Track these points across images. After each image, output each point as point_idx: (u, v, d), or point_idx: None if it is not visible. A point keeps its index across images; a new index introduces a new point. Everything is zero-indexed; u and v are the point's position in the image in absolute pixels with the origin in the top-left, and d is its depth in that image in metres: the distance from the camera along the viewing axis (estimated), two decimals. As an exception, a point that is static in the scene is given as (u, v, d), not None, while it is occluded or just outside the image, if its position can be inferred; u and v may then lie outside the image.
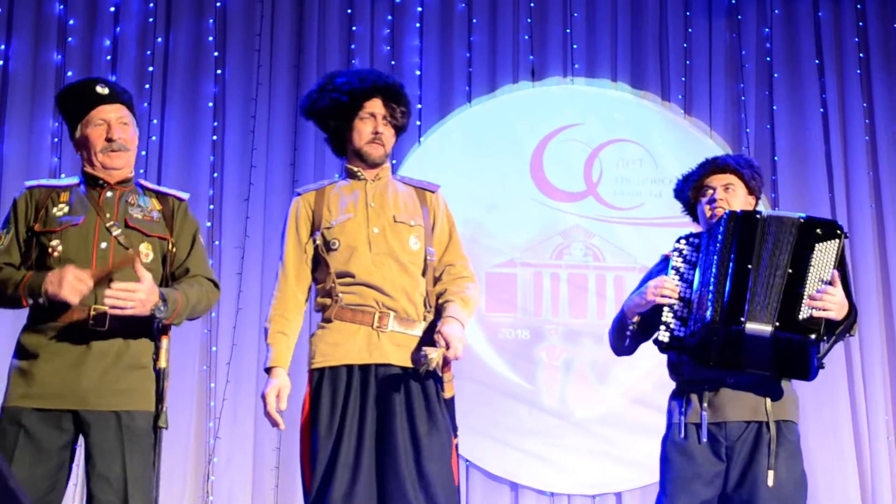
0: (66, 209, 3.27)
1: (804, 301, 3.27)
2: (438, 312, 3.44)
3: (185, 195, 3.50)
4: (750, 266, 3.30)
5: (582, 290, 6.35)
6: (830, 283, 3.27)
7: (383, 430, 3.26)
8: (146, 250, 3.29)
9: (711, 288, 3.30)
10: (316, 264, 3.44)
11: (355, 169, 3.51)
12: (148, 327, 3.28)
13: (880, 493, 6.11)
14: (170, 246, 3.36)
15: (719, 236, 3.37)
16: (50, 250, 3.21)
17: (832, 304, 3.25)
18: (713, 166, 3.60)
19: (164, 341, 3.29)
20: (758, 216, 3.38)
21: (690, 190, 3.63)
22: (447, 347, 3.24)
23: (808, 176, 6.56)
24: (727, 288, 3.28)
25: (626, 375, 6.22)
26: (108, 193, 3.33)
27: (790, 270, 3.30)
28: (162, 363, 3.27)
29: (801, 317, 3.26)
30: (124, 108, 3.37)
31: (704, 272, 3.36)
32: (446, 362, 3.30)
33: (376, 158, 3.49)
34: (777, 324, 3.25)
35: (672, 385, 3.59)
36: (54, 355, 3.16)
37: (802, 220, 3.36)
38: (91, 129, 3.32)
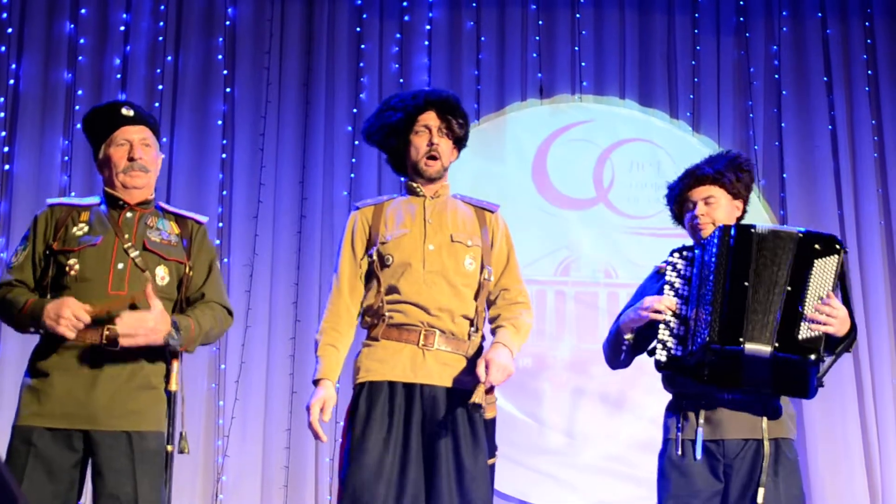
0: (86, 229, 3.29)
1: (803, 320, 3.23)
2: (491, 335, 3.45)
3: (204, 219, 3.53)
4: (747, 283, 3.25)
5: (592, 310, 6.17)
6: (828, 296, 3.23)
7: (429, 449, 3.26)
8: (162, 273, 3.31)
9: (707, 307, 3.26)
10: (367, 279, 3.44)
11: (415, 185, 3.51)
12: (159, 349, 3.29)
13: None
14: (187, 270, 3.38)
15: (714, 251, 3.32)
16: (67, 269, 3.23)
17: (832, 321, 3.22)
18: (692, 179, 3.57)
19: (175, 364, 3.30)
20: (752, 230, 3.33)
21: (675, 203, 3.63)
22: (486, 371, 3.23)
23: (816, 193, 6.56)
24: (724, 307, 3.23)
25: (643, 400, 6.06)
26: (128, 214, 3.35)
27: (789, 288, 3.25)
28: (173, 386, 3.28)
29: (800, 336, 3.22)
30: (148, 131, 3.41)
31: (700, 289, 3.32)
32: (489, 387, 3.29)
33: (432, 173, 3.49)
34: (776, 344, 3.21)
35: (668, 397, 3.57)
36: (67, 375, 3.17)
37: (801, 235, 3.32)
38: (113, 148, 3.35)
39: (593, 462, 6.11)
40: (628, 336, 3.44)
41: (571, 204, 6.36)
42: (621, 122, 6.50)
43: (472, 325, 3.42)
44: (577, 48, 6.67)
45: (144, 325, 3.13)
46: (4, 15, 6.27)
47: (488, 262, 3.48)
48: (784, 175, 6.57)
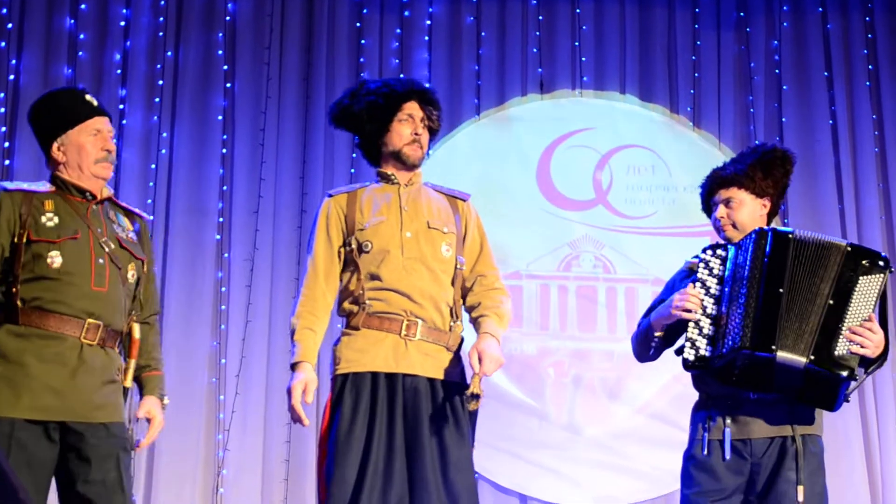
0: (56, 220, 3.22)
1: (842, 336, 3.22)
2: (471, 323, 3.44)
3: (150, 217, 3.58)
4: (781, 290, 3.22)
5: (591, 303, 6.27)
6: (869, 319, 3.22)
7: (411, 440, 3.24)
8: (131, 271, 3.31)
9: (740, 309, 3.24)
10: (344, 266, 3.42)
11: (389, 173, 3.49)
12: (120, 343, 3.31)
13: (892, 505, 6.09)
14: (144, 268, 3.38)
15: (749, 254, 3.30)
16: (49, 261, 3.17)
17: (869, 343, 3.22)
18: (713, 183, 3.56)
19: (132, 362, 3.31)
20: (790, 236, 3.30)
21: (704, 204, 3.62)
22: (480, 363, 3.22)
23: (817, 187, 6.55)
24: (757, 312, 3.21)
25: (637, 389, 6.18)
26: (94, 207, 3.30)
27: (831, 302, 3.23)
28: (127, 382, 3.30)
29: (836, 352, 3.21)
30: (109, 122, 3.37)
31: (732, 290, 3.29)
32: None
33: (415, 160, 3.48)
34: (812, 357, 3.20)
35: (695, 397, 3.55)
36: (45, 366, 3.13)
37: (849, 249, 3.28)
38: (86, 137, 3.28)
39: (593, 456, 6.13)
40: (658, 333, 3.43)
41: (573, 205, 6.43)
42: (622, 124, 6.53)
43: (451, 314, 3.41)
44: (577, 43, 6.66)
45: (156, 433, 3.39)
46: (4, 10, 6.27)
47: (461, 251, 3.47)
48: (785, 170, 6.55)
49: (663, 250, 6.13)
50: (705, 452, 3.37)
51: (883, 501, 6.09)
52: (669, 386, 6.05)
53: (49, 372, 3.13)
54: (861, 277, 3.26)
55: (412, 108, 3.48)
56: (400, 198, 3.45)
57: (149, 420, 3.34)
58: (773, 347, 3.18)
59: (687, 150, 6.49)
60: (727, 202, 3.52)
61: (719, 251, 3.42)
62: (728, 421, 3.36)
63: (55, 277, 3.17)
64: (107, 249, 3.24)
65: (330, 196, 3.50)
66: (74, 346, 3.16)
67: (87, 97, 3.35)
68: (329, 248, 3.41)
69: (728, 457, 3.34)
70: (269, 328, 6.13)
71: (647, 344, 3.50)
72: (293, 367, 3.32)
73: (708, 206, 3.61)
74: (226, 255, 6.22)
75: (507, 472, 6.06)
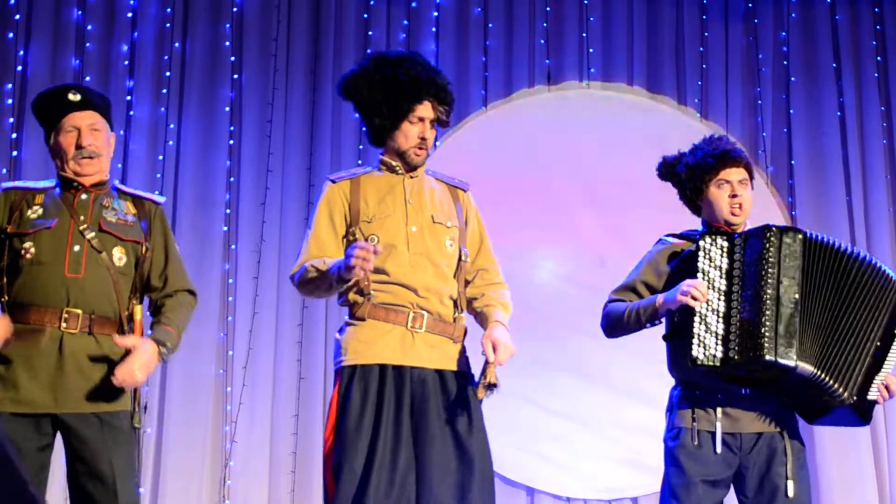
0: (40, 211, 3.28)
1: (877, 382, 3.27)
2: (472, 314, 3.45)
3: (161, 199, 3.52)
4: (797, 296, 3.20)
5: (590, 289, 6.31)
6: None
7: (421, 433, 3.23)
8: (119, 254, 3.31)
9: (754, 311, 3.19)
10: None
11: (393, 163, 3.46)
12: (118, 328, 3.28)
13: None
14: (144, 250, 3.37)
15: (757, 251, 3.25)
16: (23, 252, 3.22)
17: (887, 396, 3.34)
18: (729, 159, 3.47)
19: None
20: (801, 235, 3.27)
21: (701, 180, 3.49)
22: (494, 352, 3.22)
23: (825, 180, 6.53)
24: (777, 318, 3.17)
25: (639, 377, 6.20)
26: (83, 196, 3.33)
27: (878, 343, 3.27)
28: None
29: (870, 397, 3.28)
30: (97, 115, 3.37)
31: (743, 289, 3.24)
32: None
33: (418, 163, 3.46)
34: (854, 398, 3.25)
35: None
36: (29, 359, 3.17)
37: None
38: (62, 136, 3.33)
39: (599, 448, 6.16)
40: (660, 317, 3.39)
41: (578, 200, 6.46)
42: (626, 124, 6.54)
43: (455, 305, 3.40)
44: (584, 34, 6.64)
45: (136, 376, 3.17)
46: (12, 1, 6.26)
47: (464, 242, 3.46)
48: (792, 162, 6.55)
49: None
50: (696, 443, 3.37)
51: (891, 499, 6.08)
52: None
53: (33, 366, 3.16)
54: None
55: (425, 110, 3.41)
56: (405, 190, 3.43)
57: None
58: (794, 359, 3.17)
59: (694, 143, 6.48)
60: (742, 181, 3.47)
61: (719, 240, 3.34)
62: (719, 414, 3.35)
63: (29, 268, 3.21)
64: (87, 236, 3.25)
65: (333, 182, 3.45)
66: (54, 336, 3.18)
67: (70, 94, 3.35)
68: (332, 231, 3.37)
69: (720, 450, 3.33)
70: (277, 320, 6.13)
71: (639, 325, 3.45)
72: (336, 272, 3.21)
73: (706, 184, 3.49)
74: (233, 246, 6.21)
75: (513, 465, 6.07)
